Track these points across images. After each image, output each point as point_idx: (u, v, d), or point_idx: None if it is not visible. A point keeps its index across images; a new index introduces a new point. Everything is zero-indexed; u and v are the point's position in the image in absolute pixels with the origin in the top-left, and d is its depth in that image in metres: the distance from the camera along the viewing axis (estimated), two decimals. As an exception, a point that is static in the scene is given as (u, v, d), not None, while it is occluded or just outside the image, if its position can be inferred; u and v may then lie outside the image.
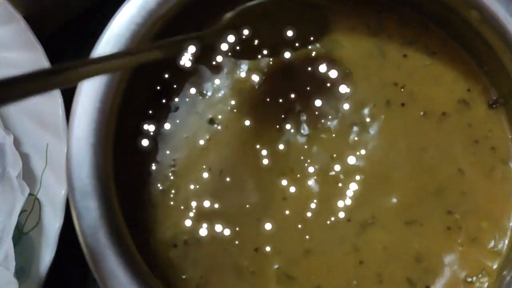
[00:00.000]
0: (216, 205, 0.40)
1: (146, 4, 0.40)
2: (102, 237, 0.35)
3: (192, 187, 0.41)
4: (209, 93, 0.43)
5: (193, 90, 0.43)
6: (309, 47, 0.42)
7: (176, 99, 0.43)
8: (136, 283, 0.35)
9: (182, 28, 0.41)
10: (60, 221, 0.42)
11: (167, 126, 0.42)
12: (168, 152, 0.42)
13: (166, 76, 0.43)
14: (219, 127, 0.42)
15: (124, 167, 0.39)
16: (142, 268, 0.37)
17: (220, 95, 0.43)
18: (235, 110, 0.42)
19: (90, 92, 0.38)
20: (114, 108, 0.38)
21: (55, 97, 0.45)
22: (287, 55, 0.41)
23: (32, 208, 0.43)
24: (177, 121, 0.42)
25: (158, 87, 0.43)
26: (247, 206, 0.40)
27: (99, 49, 0.39)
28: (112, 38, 0.39)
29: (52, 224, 0.42)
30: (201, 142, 0.42)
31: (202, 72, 0.43)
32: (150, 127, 0.42)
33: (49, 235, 0.42)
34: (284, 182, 0.41)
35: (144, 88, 0.42)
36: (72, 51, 0.51)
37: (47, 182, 0.44)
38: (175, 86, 0.43)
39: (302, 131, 0.42)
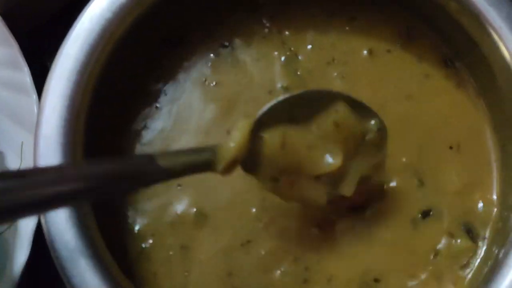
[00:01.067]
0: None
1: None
2: (72, 239, 0.35)
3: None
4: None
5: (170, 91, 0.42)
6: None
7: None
8: (107, 285, 0.34)
9: (153, 25, 0.41)
10: (34, 221, 0.41)
11: (141, 124, 0.41)
12: (143, 147, 0.41)
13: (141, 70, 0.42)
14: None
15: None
16: (113, 269, 0.36)
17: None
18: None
19: (58, 88, 0.37)
20: (84, 105, 0.37)
21: (29, 94, 0.44)
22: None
23: (6, 208, 0.42)
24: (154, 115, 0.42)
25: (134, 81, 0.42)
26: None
27: (68, 45, 0.38)
28: (81, 33, 0.38)
29: (26, 224, 0.41)
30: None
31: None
32: (125, 125, 0.41)
33: (23, 235, 0.41)
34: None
35: (119, 83, 0.41)
36: (50, 48, 0.50)
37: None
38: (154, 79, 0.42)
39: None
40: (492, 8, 0.36)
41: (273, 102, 0.35)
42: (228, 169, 0.33)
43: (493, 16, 0.36)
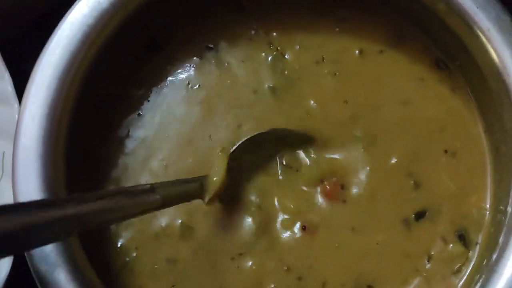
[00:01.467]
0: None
1: (98, 4, 0.38)
2: (51, 252, 0.34)
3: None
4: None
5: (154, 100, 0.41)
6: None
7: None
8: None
9: (136, 30, 0.40)
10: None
11: (124, 132, 0.40)
12: (127, 157, 0.40)
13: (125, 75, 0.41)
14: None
15: (78, 178, 0.37)
16: (95, 283, 0.35)
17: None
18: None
19: (38, 97, 0.36)
20: (65, 114, 0.37)
21: (11, 103, 0.43)
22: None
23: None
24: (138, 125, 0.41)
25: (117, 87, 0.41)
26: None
27: (48, 53, 0.37)
28: (62, 40, 0.37)
29: (8, 236, 0.40)
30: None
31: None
32: (108, 133, 0.40)
33: (4, 248, 0.40)
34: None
35: (102, 89, 0.40)
36: (33, 56, 0.49)
37: (4, 192, 0.42)
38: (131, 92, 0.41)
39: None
40: (480, 9, 0.35)
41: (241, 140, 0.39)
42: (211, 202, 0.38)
43: (481, 18, 0.35)
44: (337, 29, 0.42)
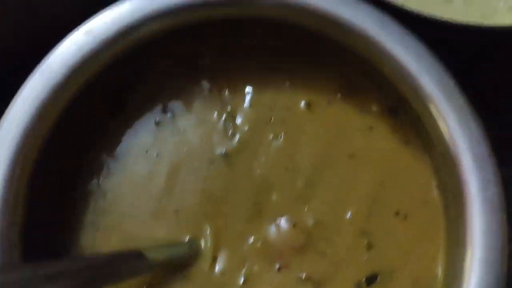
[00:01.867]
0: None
1: (50, 79, 0.37)
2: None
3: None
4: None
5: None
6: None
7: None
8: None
9: (92, 100, 0.40)
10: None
11: (82, 203, 0.41)
12: (88, 230, 0.40)
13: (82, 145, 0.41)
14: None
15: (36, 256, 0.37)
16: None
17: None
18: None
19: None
20: (21, 188, 0.36)
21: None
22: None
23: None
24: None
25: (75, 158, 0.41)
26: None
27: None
28: (16, 115, 0.37)
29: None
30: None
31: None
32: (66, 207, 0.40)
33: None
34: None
35: (59, 161, 0.40)
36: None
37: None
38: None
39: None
40: (424, 72, 0.35)
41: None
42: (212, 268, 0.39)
43: (426, 81, 0.35)
44: (288, 83, 0.42)
